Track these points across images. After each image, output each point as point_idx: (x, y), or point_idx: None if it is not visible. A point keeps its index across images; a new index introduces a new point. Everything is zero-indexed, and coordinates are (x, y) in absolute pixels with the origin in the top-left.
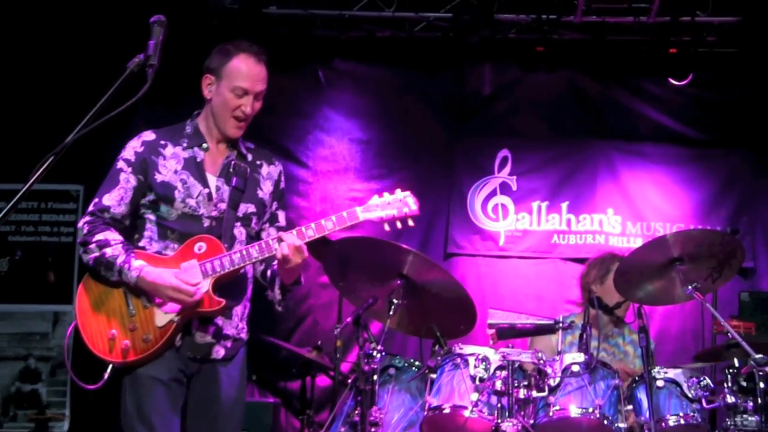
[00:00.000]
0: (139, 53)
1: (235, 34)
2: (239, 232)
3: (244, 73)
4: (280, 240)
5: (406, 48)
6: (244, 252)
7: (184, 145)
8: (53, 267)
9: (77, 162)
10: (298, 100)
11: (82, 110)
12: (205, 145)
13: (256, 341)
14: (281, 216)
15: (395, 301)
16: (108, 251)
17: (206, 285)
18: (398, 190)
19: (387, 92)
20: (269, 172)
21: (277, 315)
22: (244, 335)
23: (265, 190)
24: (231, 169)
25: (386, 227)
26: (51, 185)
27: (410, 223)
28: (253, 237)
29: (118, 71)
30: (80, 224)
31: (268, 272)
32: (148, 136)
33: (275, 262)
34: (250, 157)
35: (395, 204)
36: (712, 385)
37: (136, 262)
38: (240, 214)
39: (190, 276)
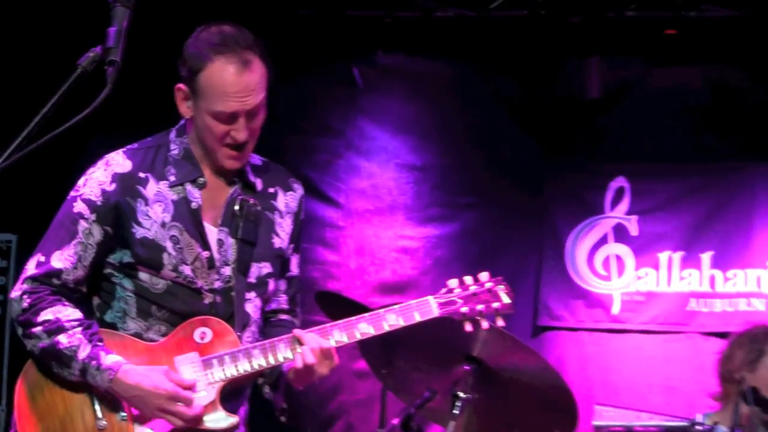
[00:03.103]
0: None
1: (231, 17)
2: (253, 307)
3: (225, 90)
4: (298, 342)
5: (477, 33)
6: (269, 348)
7: (172, 179)
8: None
9: (7, 202)
10: (325, 110)
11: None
12: (201, 180)
13: None
14: (294, 262)
15: (462, 395)
16: (62, 339)
17: (212, 393)
18: (485, 275)
19: (451, 98)
20: (287, 204)
21: (296, 416)
22: None
23: (283, 234)
24: (237, 211)
25: (467, 326)
26: None
27: (500, 322)
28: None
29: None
30: (16, 293)
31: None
32: (121, 164)
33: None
34: (259, 184)
35: (482, 296)
36: None
37: (109, 359)
38: (252, 279)
39: (187, 378)
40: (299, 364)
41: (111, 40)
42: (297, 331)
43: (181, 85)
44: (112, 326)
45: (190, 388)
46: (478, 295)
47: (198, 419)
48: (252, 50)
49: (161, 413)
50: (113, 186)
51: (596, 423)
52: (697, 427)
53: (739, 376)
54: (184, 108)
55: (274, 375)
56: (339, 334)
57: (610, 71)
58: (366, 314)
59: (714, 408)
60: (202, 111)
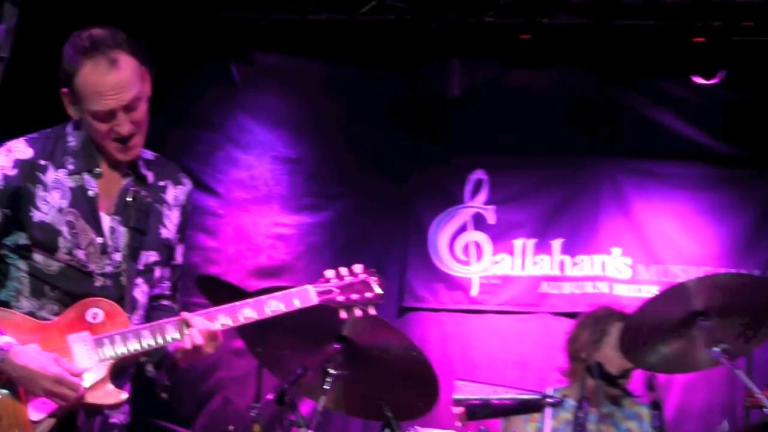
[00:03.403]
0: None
1: (106, 17)
2: (141, 292)
3: (98, 90)
4: (186, 324)
5: (348, 36)
6: (157, 329)
7: (71, 167)
8: None
9: None
10: (204, 105)
11: None
12: (98, 170)
13: (147, 427)
14: (179, 251)
15: (332, 371)
16: None
17: (103, 371)
18: (359, 267)
19: (323, 95)
20: (176, 197)
21: (175, 392)
22: (128, 417)
23: (171, 225)
24: (129, 202)
25: (342, 314)
26: None
27: (371, 311)
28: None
29: None
30: None
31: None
32: (22, 151)
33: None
34: (150, 177)
35: (357, 287)
36: None
37: (1, 340)
38: (141, 266)
39: (79, 357)
40: (188, 345)
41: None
42: (185, 315)
43: (64, 90)
44: (5, 304)
45: (78, 374)
46: (353, 285)
47: (80, 401)
48: (120, 49)
49: (46, 394)
50: (15, 171)
51: (456, 396)
52: (548, 400)
53: (585, 355)
54: (71, 111)
55: (158, 355)
56: (224, 318)
57: (470, 72)
58: (250, 299)
59: (563, 383)
60: (84, 112)
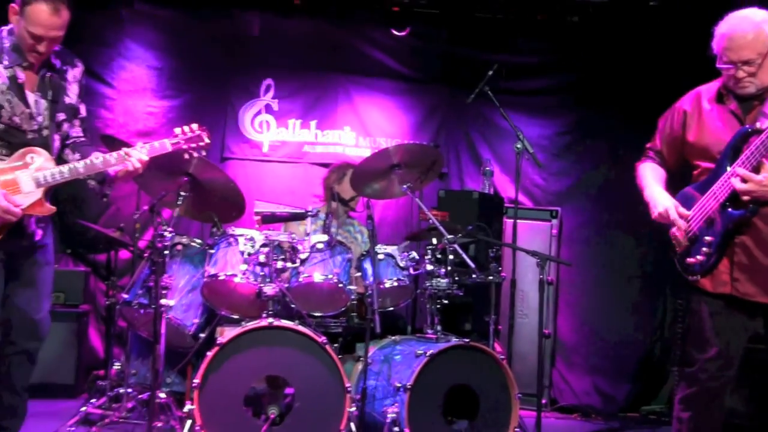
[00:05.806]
0: None
1: None
2: (57, 141)
3: (39, 22)
4: (127, 155)
5: None
6: (73, 167)
7: (6, 62)
8: None
9: None
10: (104, 33)
11: None
12: (25, 64)
13: (72, 224)
14: (83, 108)
15: (182, 193)
16: None
17: (39, 193)
18: (195, 126)
19: (179, 31)
20: (74, 75)
21: (87, 203)
22: (51, 218)
23: (73, 95)
24: (47, 82)
25: (186, 156)
26: None
27: (203, 153)
28: (65, 138)
29: None
30: None
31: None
32: None
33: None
34: (58, 64)
35: (195, 138)
36: (417, 258)
37: None
38: (55, 123)
39: (24, 184)
40: (131, 168)
41: None
42: (125, 149)
43: (14, 5)
44: None
45: (19, 206)
46: (192, 138)
47: (17, 219)
48: (63, 3)
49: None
50: None
51: (255, 210)
52: (308, 213)
53: (332, 188)
54: (14, 20)
55: (101, 176)
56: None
57: (264, 20)
58: (136, 147)
59: (319, 205)
60: (22, 27)
